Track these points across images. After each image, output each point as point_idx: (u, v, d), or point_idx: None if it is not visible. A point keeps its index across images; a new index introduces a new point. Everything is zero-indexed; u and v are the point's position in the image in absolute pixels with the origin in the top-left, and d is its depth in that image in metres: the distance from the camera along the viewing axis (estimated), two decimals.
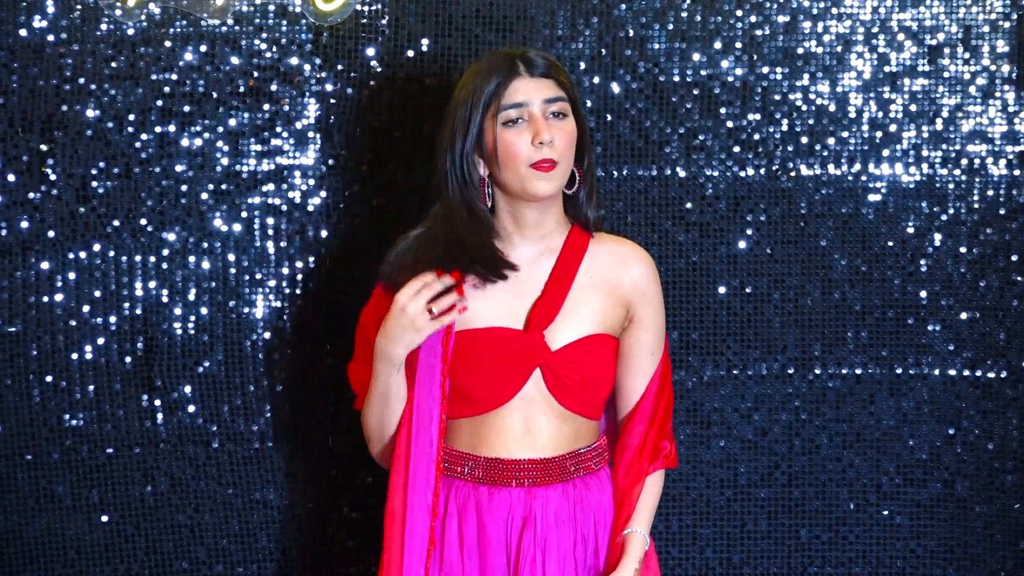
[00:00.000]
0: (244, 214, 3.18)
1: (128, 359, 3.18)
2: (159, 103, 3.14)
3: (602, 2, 3.17)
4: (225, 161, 3.16)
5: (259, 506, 3.23)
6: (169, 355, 3.18)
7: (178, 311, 3.18)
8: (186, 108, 3.14)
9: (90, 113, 3.12)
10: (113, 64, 3.12)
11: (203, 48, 3.13)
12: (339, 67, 3.16)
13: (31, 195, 3.13)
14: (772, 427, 3.27)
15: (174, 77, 3.14)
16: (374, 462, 2.72)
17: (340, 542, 3.25)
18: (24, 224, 3.14)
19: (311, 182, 3.18)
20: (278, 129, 3.17)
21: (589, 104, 3.17)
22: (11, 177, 3.12)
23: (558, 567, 2.59)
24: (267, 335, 3.20)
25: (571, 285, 2.63)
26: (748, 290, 3.24)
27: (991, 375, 3.26)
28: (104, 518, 3.21)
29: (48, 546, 3.20)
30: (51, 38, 3.10)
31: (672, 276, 3.22)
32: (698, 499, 3.27)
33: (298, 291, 3.20)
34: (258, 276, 3.19)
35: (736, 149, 3.21)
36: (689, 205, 3.22)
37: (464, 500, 2.61)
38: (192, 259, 3.17)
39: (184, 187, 3.16)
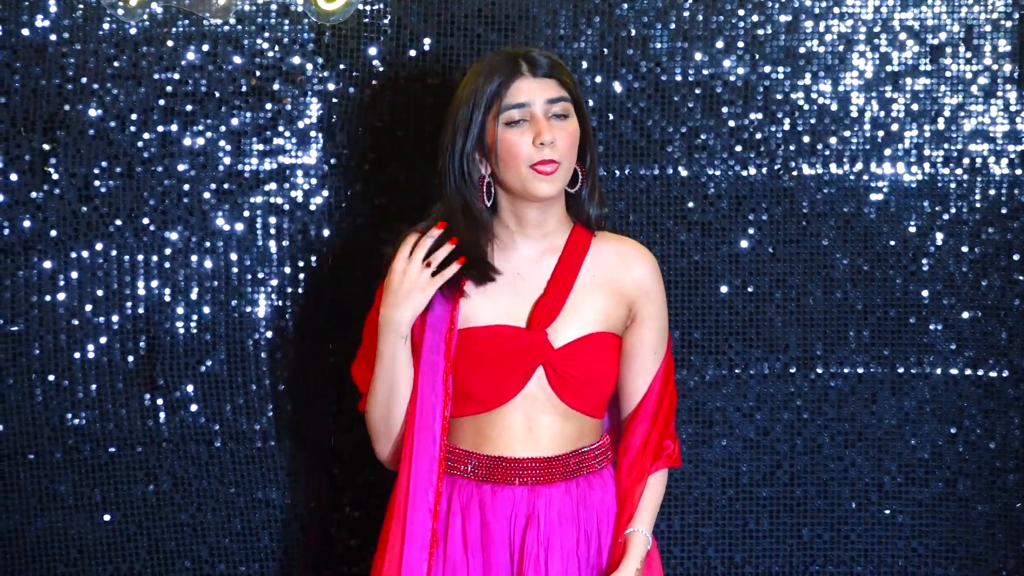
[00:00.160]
0: (246, 213, 3.18)
1: (130, 358, 3.18)
2: (161, 102, 3.14)
3: (604, 1, 3.17)
4: (227, 160, 3.16)
5: (261, 505, 3.24)
6: (171, 354, 3.18)
7: (180, 310, 3.18)
8: (188, 107, 3.14)
9: (92, 112, 3.12)
10: (115, 63, 3.12)
11: (205, 47, 3.14)
12: (341, 66, 3.16)
13: (33, 194, 3.13)
14: (774, 426, 3.27)
15: (176, 76, 3.14)
16: (376, 461, 2.72)
17: (342, 541, 3.26)
18: (26, 223, 3.14)
19: (313, 181, 3.18)
20: (280, 128, 3.17)
21: (591, 103, 3.17)
22: (13, 176, 3.13)
23: (561, 566, 2.59)
24: (269, 334, 3.20)
25: (574, 283, 2.64)
26: (750, 289, 3.24)
27: (993, 374, 3.26)
28: (106, 517, 3.21)
29: (50, 545, 3.20)
30: (53, 37, 3.11)
31: (674, 275, 3.22)
32: (700, 498, 3.28)
33: (300, 290, 3.20)
34: (260, 275, 3.19)
35: (738, 148, 3.21)
36: (691, 204, 3.22)
37: (468, 498, 2.61)
38: (194, 258, 3.18)
39: (186, 186, 3.16)
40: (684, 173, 3.22)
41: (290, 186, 3.18)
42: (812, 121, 3.21)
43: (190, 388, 3.19)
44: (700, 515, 3.28)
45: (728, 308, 3.24)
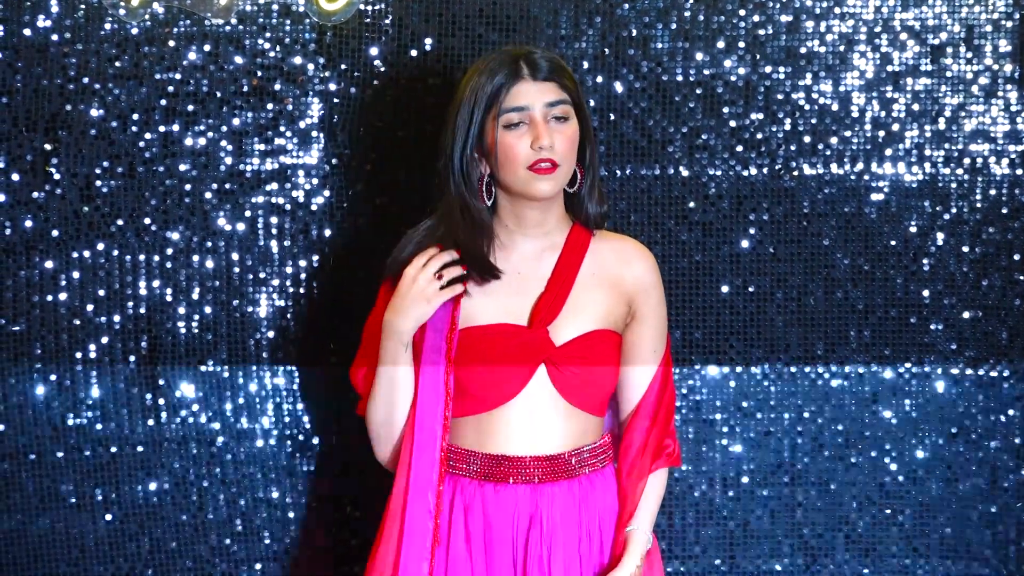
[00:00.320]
0: (248, 213, 3.18)
1: (132, 358, 3.18)
2: (163, 102, 3.14)
3: (605, 2, 3.17)
4: (229, 160, 3.17)
5: (262, 505, 3.24)
6: (173, 354, 3.18)
7: (182, 310, 3.18)
8: (190, 107, 3.14)
9: (94, 112, 3.13)
10: (117, 63, 3.12)
11: (207, 48, 3.14)
12: (343, 66, 3.16)
13: (35, 194, 3.14)
14: (775, 426, 3.27)
15: (178, 76, 3.14)
16: (377, 461, 2.72)
17: (343, 541, 3.25)
18: (28, 223, 3.14)
19: (315, 181, 3.19)
20: (282, 128, 3.17)
21: (592, 103, 3.17)
22: (15, 176, 3.13)
23: (563, 564, 2.59)
24: (271, 334, 3.20)
25: (574, 281, 2.64)
26: (751, 289, 3.24)
27: (993, 374, 3.26)
28: (108, 517, 3.21)
29: (52, 545, 3.20)
30: (55, 37, 3.11)
31: (675, 275, 3.23)
32: (701, 498, 3.28)
33: (301, 290, 3.20)
34: (261, 275, 3.19)
35: (739, 148, 3.21)
36: (692, 204, 3.22)
37: (470, 498, 2.61)
38: (196, 258, 3.18)
39: (188, 186, 3.16)
40: (685, 173, 3.22)
41: (291, 186, 3.18)
42: (813, 121, 3.21)
43: (191, 388, 3.19)
44: (701, 515, 3.28)
45: (729, 308, 3.25)
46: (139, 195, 3.16)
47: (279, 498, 3.24)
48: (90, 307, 3.16)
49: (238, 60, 3.15)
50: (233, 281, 3.19)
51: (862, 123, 3.21)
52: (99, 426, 3.18)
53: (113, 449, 3.20)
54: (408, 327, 2.57)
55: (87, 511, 3.20)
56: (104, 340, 3.17)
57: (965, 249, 3.24)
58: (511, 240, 2.66)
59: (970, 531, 3.28)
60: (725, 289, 3.24)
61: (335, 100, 3.17)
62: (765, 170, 3.22)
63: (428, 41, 3.17)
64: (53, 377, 3.17)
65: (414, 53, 3.17)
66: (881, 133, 3.22)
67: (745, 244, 3.23)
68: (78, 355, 3.17)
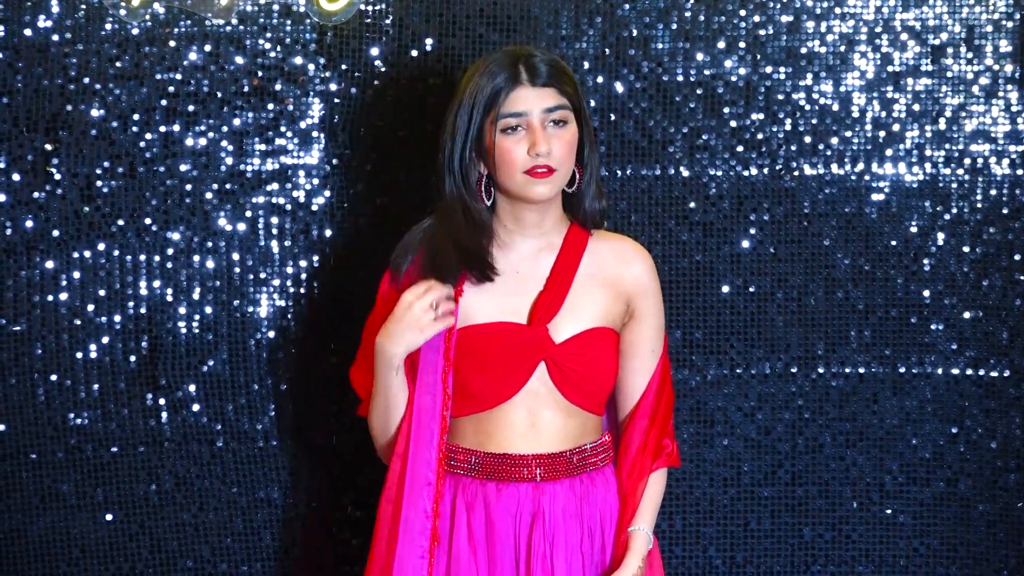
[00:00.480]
0: (248, 213, 3.18)
1: (133, 358, 3.18)
2: (163, 103, 3.14)
3: (606, 2, 3.17)
4: (229, 160, 3.17)
5: (263, 504, 3.24)
6: (173, 354, 3.18)
7: (182, 310, 3.18)
8: (190, 108, 3.15)
9: (95, 112, 3.13)
10: (118, 64, 3.12)
11: (207, 48, 3.14)
12: (343, 67, 3.16)
13: (36, 194, 3.14)
14: (775, 426, 3.27)
15: (178, 77, 3.14)
16: (378, 460, 2.73)
17: (344, 541, 3.26)
18: (29, 223, 3.14)
19: (315, 181, 3.19)
20: (282, 128, 3.17)
21: (593, 104, 3.17)
22: (16, 176, 3.13)
23: (566, 563, 2.60)
24: (271, 334, 3.20)
25: (573, 279, 2.65)
26: (751, 289, 3.24)
27: (994, 374, 3.26)
28: (108, 517, 3.21)
29: (53, 544, 3.20)
30: (56, 38, 3.11)
31: (675, 275, 3.23)
32: (701, 497, 3.28)
33: (302, 290, 3.20)
34: (262, 275, 3.19)
35: (739, 149, 3.22)
36: (692, 204, 3.23)
37: (472, 497, 2.62)
38: (196, 258, 3.18)
39: (188, 186, 3.16)
40: (686, 173, 3.22)
41: (292, 186, 3.18)
42: (813, 121, 3.21)
43: (192, 388, 3.20)
44: (701, 514, 3.28)
45: (730, 308, 3.25)
46: (140, 195, 3.16)
47: (279, 498, 3.24)
48: (91, 307, 3.17)
49: (239, 60, 3.15)
50: (234, 281, 3.19)
51: (863, 123, 3.21)
52: (100, 426, 3.18)
53: (114, 449, 3.20)
54: (399, 352, 2.56)
55: (88, 511, 3.20)
56: (105, 340, 3.17)
57: (966, 249, 3.24)
58: (510, 239, 2.67)
59: (970, 531, 3.28)
60: (726, 289, 3.24)
61: (336, 100, 3.17)
62: (766, 170, 3.22)
63: (429, 41, 3.17)
64: (54, 377, 3.17)
65: (415, 53, 3.17)
66: (882, 133, 3.22)
67: (746, 244, 3.23)
68: (79, 355, 3.17)
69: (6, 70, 3.10)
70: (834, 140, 3.22)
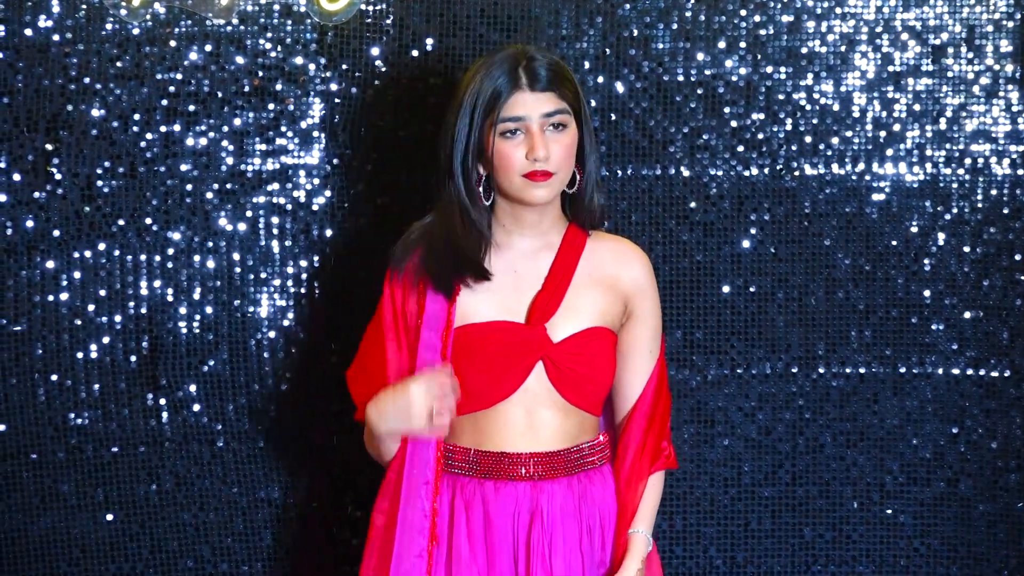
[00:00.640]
0: (249, 213, 3.18)
1: (133, 358, 3.18)
2: (164, 102, 3.14)
3: (606, 2, 3.17)
4: (230, 160, 3.17)
5: (263, 505, 3.24)
6: (174, 354, 3.18)
7: (183, 310, 3.18)
8: (191, 107, 3.15)
9: (95, 112, 3.13)
10: (118, 64, 3.13)
11: (208, 48, 3.14)
12: (344, 67, 3.16)
13: (36, 194, 3.14)
14: (776, 426, 3.27)
15: (179, 76, 3.14)
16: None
17: (344, 541, 3.26)
18: (29, 223, 3.14)
19: (316, 181, 3.19)
20: (283, 128, 3.17)
21: (593, 103, 3.17)
22: (16, 176, 3.13)
23: (565, 561, 2.60)
24: (272, 334, 3.20)
25: (571, 278, 2.65)
26: (752, 289, 3.24)
27: (994, 374, 3.26)
28: (109, 517, 3.21)
29: (53, 544, 3.20)
30: (56, 38, 3.11)
31: (676, 275, 3.23)
32: (702, 498, 3.28)
33: (303, 290, 3.20)
34: (263, 275, 3.19)
35: (740, 148, 3.22)
36: (693, 204, 3.23)
37: (470, 496, 2.62)
38: (197, 258, 3.18)
39: (189, 186, 3.16)
40: (686, 173, 3.22)
41: (293, 186, 3.18)
42: (814, 121, 3.21)
43: (192, 388, 3.20)
44: (702, 514, 3.28)
45: (730, 308, 3.25)
46: (140, 195, 3.16)
47: (280, 498, 3.24)
48: (91, 307, 3.17)
49: (239, 60, 3.15)
50: (234, 281, 3.19)
51: (863, 123, 3.21)
52: (100, 426, 3.18)
53: (114, 449, 3.20)
54: (383, 430, 2.59)
55: (88, 511, 3.20)
56: (105, 340, 3.17)
57: (966, 249, 3.24)
58: (508, 239, 2.67)
59: (971, 531, 3.28)
60: (726, 289, 3.24)
61: (336, 100, 3.17)
62: (766, 170, 3.22)
63: (429, 41, 3.17)
64: (54, 377, 3.17)
65: (415, 53, 3.17)
66: (882, 133, 3.22)
67: (746, 244, 3.24)
68: (79, 355, 3.17)
69: (6, 70, 3.10)
70: (835, 140, 3.22)
